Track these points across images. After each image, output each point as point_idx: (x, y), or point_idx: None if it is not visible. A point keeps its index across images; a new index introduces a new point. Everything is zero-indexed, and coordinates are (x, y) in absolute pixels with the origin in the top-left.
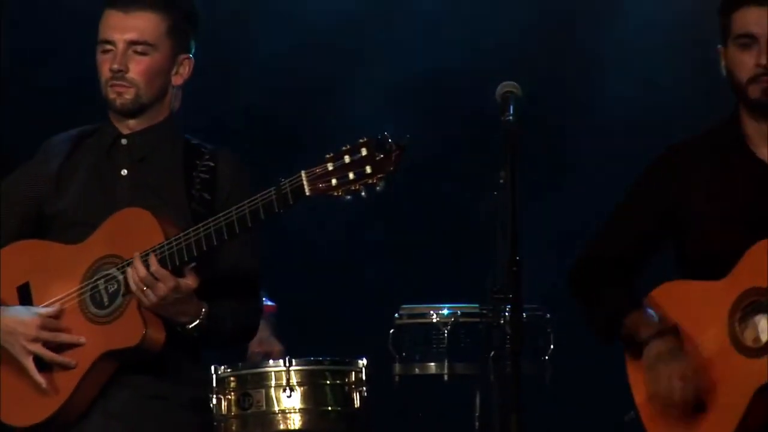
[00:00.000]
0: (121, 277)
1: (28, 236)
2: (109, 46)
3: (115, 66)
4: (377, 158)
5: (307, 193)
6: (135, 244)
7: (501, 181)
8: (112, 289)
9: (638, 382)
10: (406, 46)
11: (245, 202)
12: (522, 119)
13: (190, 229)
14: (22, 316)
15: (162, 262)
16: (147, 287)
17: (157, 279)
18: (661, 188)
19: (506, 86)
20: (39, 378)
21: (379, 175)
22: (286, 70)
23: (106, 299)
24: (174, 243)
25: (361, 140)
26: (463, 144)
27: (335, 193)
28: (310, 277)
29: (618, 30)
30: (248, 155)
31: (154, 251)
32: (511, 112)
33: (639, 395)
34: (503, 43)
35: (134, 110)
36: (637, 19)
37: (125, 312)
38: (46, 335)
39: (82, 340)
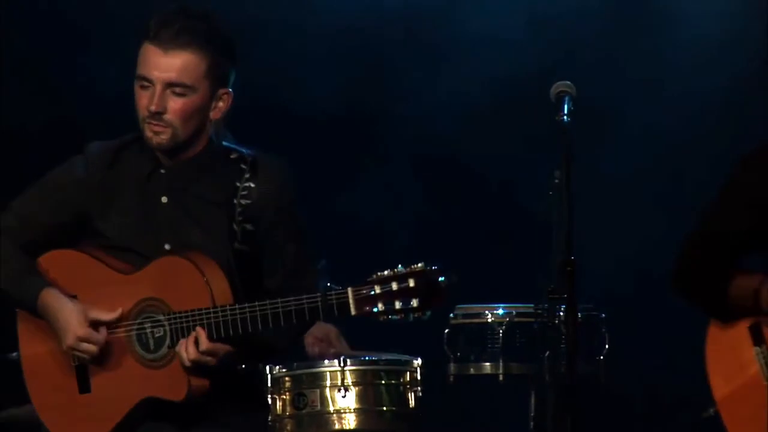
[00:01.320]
0: (168, 328)
1: (67, 231)
2: (147, 83)
3: (153, 108)
4: (425, 294)
5: (353, 313)
6: (182, 298)
7: (556, 180)
8: (158, 335)
9: (719, 378)
10: (465, 46)
11: (292, 299)
12: (575, 118)
13: (237, 306)
14: (72, 317)
15: (207, 329)
16: (199, 364)
17: (206, 355)
18: (758, 182)
19: (560, 86)
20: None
21: (425, 310)
22: (351, 72)
23: (152, 343)
24: (220, 313)
25: (409, 269)
26: (520, 144)
27: (380, 318)
28: (365, 277)
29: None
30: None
31: (200, 318)
32: (566, 111)
33: (719, 390)
34: (560, 42)
35: (171, 148)
36: (693, 18)
37: (171, 364)
38: (84, 347)
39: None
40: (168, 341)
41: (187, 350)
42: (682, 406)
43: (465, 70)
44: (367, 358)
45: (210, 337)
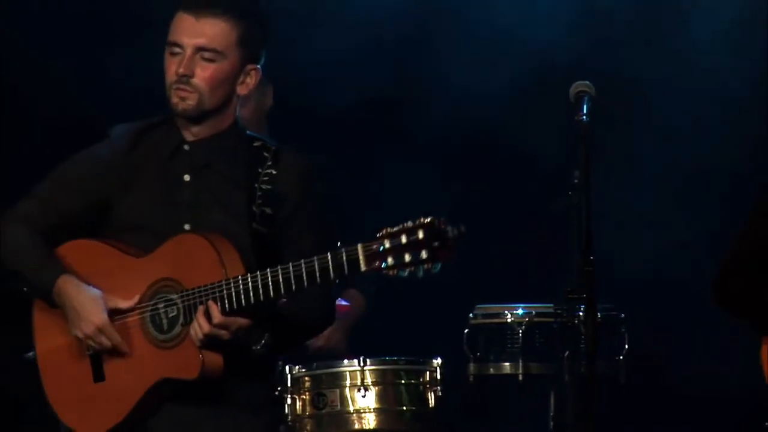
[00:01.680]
0: (181, 306)
1: (88, 217)
2: (177, 49)
3: (182, 70)
4: (434, 245)
5: (363, 269)
6: (195, 274)
7: (575, 180)
8: (172, 314)
9: None
10: (483, 48)
11: (302, 262)
12: (595, 118)
13: (248, 275)
14: (90, 306)
15: (220, 302)
16: (211, 338)
17: (219, 329)
18: None
19: (579, 86)
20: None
21: (434, 262)
22: (369, 71)
23: (165, 324)
24: (233, 284)
25: (418, 221)
26: (539, 143)
27: (390, 273)
28: (385, 276)
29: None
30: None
31: (213, 291)
32: (585, 111)
33: None
34: (576, 43)
35: (196, 116)
36: (709, 20)
37: (184, 342)
38: (101, 339)
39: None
40: (181, 319)
41: (199, 324)
42: (702, 406)
43: (483, 68)
44: (387, 357)
45: (223, 310)
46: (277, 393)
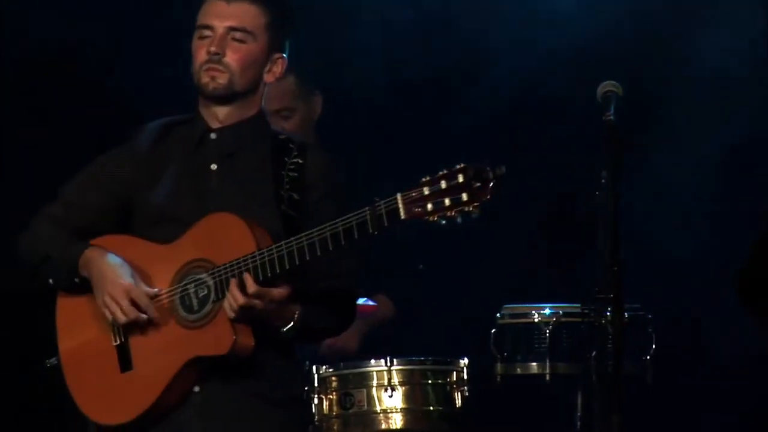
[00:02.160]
0: (211, 283)
1: (115, 216)
2: (207, 32)
3: (213, 48)
4: (474, 186)
5: (402, 217)
6: (226, 250)
7: (603, 180)
8: (203, 294)
9: None
10: (503, 45)
11: (339, 220)
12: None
13: (282, 242)
14: (119, 271)
15: (254, 272)
16: (246, 310)
17: (254, 299)
18: None
19: (607, 85)
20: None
21: (474, 204)
22: (396, 69)
23: (196, 304)
24: (266, 253)
25: (458, 166)
26: (566, 143)
27: (430, 218)
28: (411, 277)
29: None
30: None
31: (246, 263)
32: (612, 111)
33: None
34: (603, 42)
35: (226, 96)
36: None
37: (215, 319)
38: (126, 303)
39: (149, 315)
40: (212, 296)
41: (233, 296)
42: (730, 407)
43: (508, 66)
44: (413, 357)
45: (257, 279)
46: (304, 393)
